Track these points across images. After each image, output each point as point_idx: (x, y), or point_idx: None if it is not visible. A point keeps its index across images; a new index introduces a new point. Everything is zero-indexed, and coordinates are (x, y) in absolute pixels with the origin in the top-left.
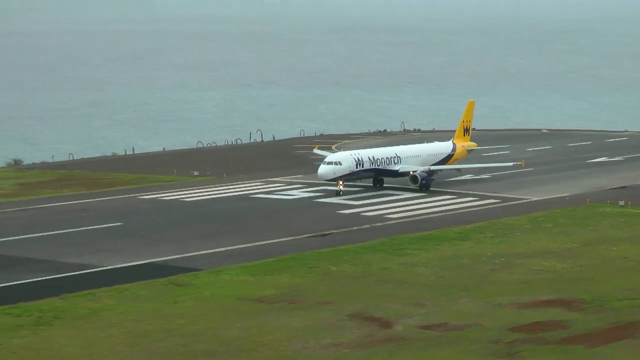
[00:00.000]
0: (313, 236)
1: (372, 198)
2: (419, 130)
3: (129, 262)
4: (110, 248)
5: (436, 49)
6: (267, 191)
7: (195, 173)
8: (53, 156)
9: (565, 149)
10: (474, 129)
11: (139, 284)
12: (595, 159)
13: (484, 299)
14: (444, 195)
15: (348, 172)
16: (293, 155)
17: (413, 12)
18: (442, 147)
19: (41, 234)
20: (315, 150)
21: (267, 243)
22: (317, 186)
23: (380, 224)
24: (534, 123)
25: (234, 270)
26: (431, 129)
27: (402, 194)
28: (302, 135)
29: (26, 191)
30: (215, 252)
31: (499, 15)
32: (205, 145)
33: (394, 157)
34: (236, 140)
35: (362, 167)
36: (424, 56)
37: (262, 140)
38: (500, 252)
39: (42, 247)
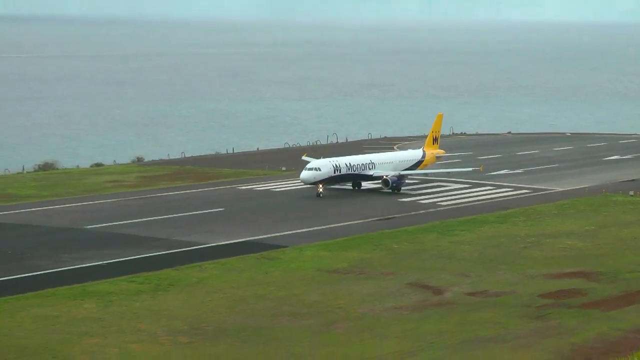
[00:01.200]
0: (378, 220)
1: (426, 189)
2: (464, 133)
3: (229, 240)
4: (214, 229)
5: (483, 67)
6: None
7: (283, 168)
8: (168, 154)
9: (584, 149)
10: (509, 132)
11: (237, 257)
12: (610, 157)
13: (518, 271)
14: (485, 187)
15: (327, 176)
16: (363, 154)
17: (461, 37)
18: (413, 155)
19: (158, 217)
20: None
21: (341, 225)
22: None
23: (433, 210)
24: (560, 127)
25: (314, 247)
26: (475, 132)
27: (451, 185)
28: (369, 138)
29: (146, 183)
30: (298, 232)
31: (531, 40)
32: (291, 146)
33: (369, 163)
34: (316, 141)
35: (340, 172)
36: (473, 73)
37: (337, 142)
38: (531, 233)
39: (159, 228)
